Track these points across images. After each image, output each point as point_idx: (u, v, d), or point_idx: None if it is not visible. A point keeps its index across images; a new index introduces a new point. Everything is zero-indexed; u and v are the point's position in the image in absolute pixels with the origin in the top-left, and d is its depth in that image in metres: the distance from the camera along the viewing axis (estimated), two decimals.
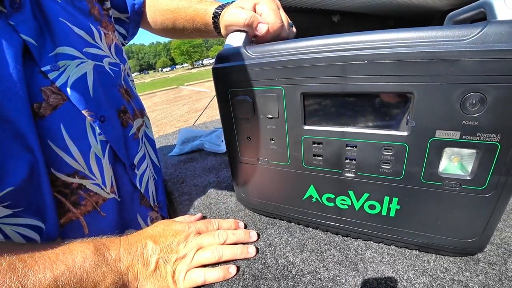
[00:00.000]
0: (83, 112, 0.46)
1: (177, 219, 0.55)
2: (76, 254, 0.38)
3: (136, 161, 0.58)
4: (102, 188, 0.49)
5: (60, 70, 0.44)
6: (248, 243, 0.51)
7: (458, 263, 0.42)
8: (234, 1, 0.56)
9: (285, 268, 0.45)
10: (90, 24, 0.51)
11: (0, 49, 0.37)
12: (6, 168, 0.37)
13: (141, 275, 0.42)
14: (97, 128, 0.48)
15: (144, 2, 0.73)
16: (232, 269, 0.45)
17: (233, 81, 0.45)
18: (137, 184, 0.58)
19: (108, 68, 0.53)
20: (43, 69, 0.42)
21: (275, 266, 0.45)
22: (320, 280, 0.42)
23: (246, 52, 0.42)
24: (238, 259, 0.48)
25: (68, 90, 0.44)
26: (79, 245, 0.39)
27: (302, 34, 0.43)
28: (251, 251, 0.48)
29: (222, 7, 0.59)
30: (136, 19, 0.74)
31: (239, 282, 0.43)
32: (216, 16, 0.59)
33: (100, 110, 0.49)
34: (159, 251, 0.44)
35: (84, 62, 0.47)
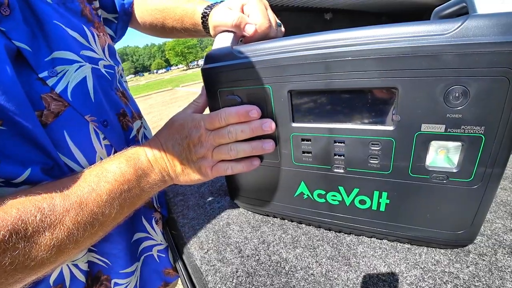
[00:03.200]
0: (86, 117, 0.45)
1: (183, 110, 0.51)
2: (114, 169, 0.42)
3: None
4: None
5: (59, 75, 0.43)
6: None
7: (449, 255, 0.42)
8: (222, 1, 0.56)
9: (278, 265, 0.45)
10: (83, 26, 0.50)
11: None
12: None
13: (173, 174, 0.47)
14: (101, 132, 0.47)
15: (133, 1, 0.73)
16: (256, 161, 0.48)
17: (222, 81, 0.45)
18: None
19: (104, 71, 0.52)
20: (40, 75, 0.41)
21: (268, 262, 0.46)
22: (313, 276, 0.42)
23: (233, 52, 0.43)
24: (254, 155, 0.49)
25: (69, 95, 0.43)
26: (114, 161, 0.43)
27: (294, 33, 0.43)
28: (266, 146, 0.46)
29: (210, 7, 0.59)
30: (125, 19, 0.73)
31: (232, 280, 0.44)
32: (204, 16, 0.59)
33: (102, 114, 0.48)
34: (179, 153, 0.46)
35: (82, 65, 0.46)
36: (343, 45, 0.33)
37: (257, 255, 0.48)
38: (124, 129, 0.54)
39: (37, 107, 0.40)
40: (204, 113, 0.49)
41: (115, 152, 0.50)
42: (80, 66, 0.46)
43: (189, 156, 0.46)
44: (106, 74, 0.52)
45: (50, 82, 0.42)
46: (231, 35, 0.49)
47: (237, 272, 0.45)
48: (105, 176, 0.40)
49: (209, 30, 0.59)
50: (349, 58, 0.33)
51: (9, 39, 0.38)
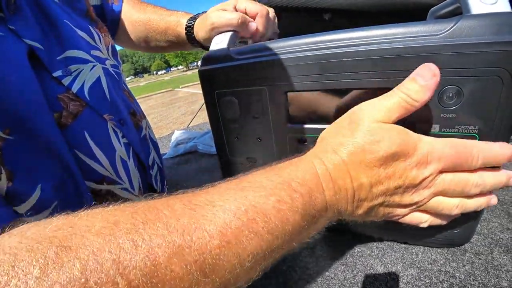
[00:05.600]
0: (105, 116, 0.45)
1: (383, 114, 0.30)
2: (271, 210, 0.25)
3: (150, 162, 0.58)
4: (130, 192, 0.48)
5: (73, 74, 0.42)
6: None
7: (446, 255, 0.42)
8: (204, 11, 0.57)
9: (276, 264, 0.45)
10: (89, 26, 0.50)
11: (10, 57, 0.34)
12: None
13: (347, 214, 0.31)
14: (119, 131, 0.47)
15: (121, 11, 0.72)
16: (494, 199, 0.32)
17: (218, 83, 0.45)
18: (154, 185, 0.58)
19: (111, 70, 0.52)
20: (54, 74, 0.40)
21: None
22: (310, 276, 0.42)
23: (230, 54, 0.43)
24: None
25: (87, 95, 0.43)
26: (265, 190, 0.26)
27: (293, 33, 0.43)
28: (492, 201, 0.32)
29: (194, 18, 0.60)
30: (112, 29, 0.72)
31: None
32: (189, 27, 0.60)
33: (118, 113, 0.48)
34: (376, 196, 0.30)
35: (95, 65, 0.46)
36: (338, 46, 0.34)
37: None
38: (136, 127, 0.54)
39: (54, 108, 0.39)
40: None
41: (133, 150, 0.50)
42: (94, 66, 0.46)
43: (390, 200, 0.31)
44: (114, 74, 0.52)
45: (66, 81, 0.41)
46: (228, 36, 0.50)
47: None
48: (253, 220, 0.23)
49: (194, 41, 0.60)
50: (344, 59, 0.33)
51: (20, 38, 0.37)
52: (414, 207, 0.32)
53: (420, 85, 0.28)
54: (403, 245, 0.45)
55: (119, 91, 0.53)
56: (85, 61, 0.45)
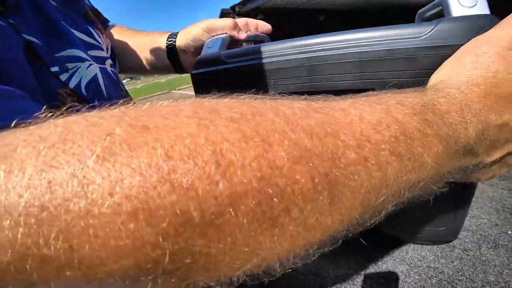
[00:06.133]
0: None
1: None
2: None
3: None
4: None
5: (70, 71, 0.42)
6: None
7: (435, 251, 0.43)
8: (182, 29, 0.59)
9: None
10: (89, 27, 0.51)
11: (10, 51, 0.34)
12: None
13: (476, 163, 0.25)
14: None
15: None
16: None
17: (210, 86, 0.46)
18: None
19: (110, 70, 0.53)
20: (52, 70, 0.40)
21: None
22: (303, 274, 0.43)
23: (221, 57, 0.44)
24: None
25: (84, 91, 0.43)
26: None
27: (287, 35, 0.44)
28: None
29: (174, 35, 0.60)
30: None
31: None
32: (172, 36, 0.60)
33: None
34: None
35: (92, 64, 0.47)
36: (325, 49, 0.34)
37: None
38: None
39: (54, 102, 0.39)
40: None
41: None
42: (90, 65, 0.46)
43: None
44: (112, 74, 0.53)
45: (63, 77, 0.41)
46: (220, 40, 0.51)
47: None
48: (396, 140, 0.18)
49: (175, 59, 0.60)
50: (330, 61, 0.34)
51: (19, 32, 0.37)
52: None
53: None
54: (394, 242, 0.46)
55: (117, 91, 0.53)
56: (83, 60, 0.45)
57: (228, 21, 0.52)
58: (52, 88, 0.40)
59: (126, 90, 0.60)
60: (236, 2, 1.05)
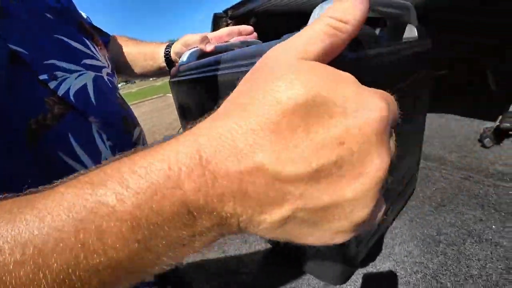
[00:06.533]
0: (89, 119, 0.46)
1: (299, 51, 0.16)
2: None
3: None
4: None
5: (59, 79, 0.41)
6: None
7: (421, 247, 0.44)
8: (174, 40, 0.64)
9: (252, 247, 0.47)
10: (84, 38, 0.52)
11: None
12: None
13: (256, 220, 0.16)
14: (104, 133, 0.48)
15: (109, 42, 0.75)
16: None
17: (182, 94, 0.47)
18: None
19: (106, 78, 0.54)
20: (40, 77, 0.39)
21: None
22: (289, 268, 0.44)
23: (180, 69, 0.47)
24: None
25: (72, 98, 0.42)
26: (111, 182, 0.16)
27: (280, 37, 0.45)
28: None
29: (170, 46, 0.65)
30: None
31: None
32: (169, 46, 0.65)
33: (105, 117, 0.49)
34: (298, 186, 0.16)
35: (83, 73, 0.47)
36: None
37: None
38: (126, 132, 0.55)
39: (40, 110, 0.41)
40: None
41: (118, 153, 0.50)
42: (81, 74, 0.47)
43: (337, 173, 0.14)
44: (108, 82, 0.54)
45: (52, 85, 0.42)
46: (195, 52, 0.54)
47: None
48: (90, 220, 0.15)
49: (172, 64, 0.64)
50: None
51: (4, 40, 0.36)
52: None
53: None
54: (381, 240, 0.47)
55: (113, 98, 0.54)
56: (72, 71, 0.46)
57: (197, 36, 0.57)
58: (39, 95, 0.39)
59: (122, 98, 0.62)
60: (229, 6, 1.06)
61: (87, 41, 0.52)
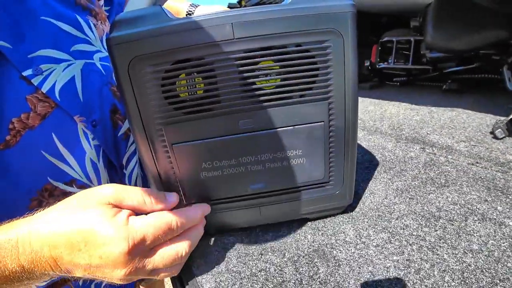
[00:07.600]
0: (75, 118, 0.43)
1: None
2: None
3: (124, 161, 0.55)
4: None
5: (44, 74, 0.40)
6: None
7: (419, 220, 0.42)
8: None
9: (248, 228, 0.45)
10: (77, 16, 0.48)
11: None
12: None
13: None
14: (90, 133, 0.45)
15: None
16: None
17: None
18: (127, 183, 0.56)
19: (99, 64, 0.50)
20: (24, 73, 0.38)
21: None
22: (281, 237, 0.42)
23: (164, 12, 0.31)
24: None
25: (57, 96, 0.41)
26: None
27: None
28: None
29: (194, 6, 0.64)
30: (119, 10, 0.68)
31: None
32: (189, 12, 0.63)
33: (91, 114, 0.46)
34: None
35: (71, 64, 0.44)
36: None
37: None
38: (114, 127, 0.52)
39: (22, 109, 0.38)
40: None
41: (104, 152, 0.48)
42: (69, 65, 0.44)
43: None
44: (101, 68, 0.50)
45: (35, 81, 0.39)
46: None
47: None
48: None
49: None
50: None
51: None
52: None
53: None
54: (377, 212, 0.44)
55: (103, 88, 0.50)
56: (59, 61, 0.43)
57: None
58: (20, 94, 0.38)
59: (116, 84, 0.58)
60: None
61: (81, 20, 0.48)
